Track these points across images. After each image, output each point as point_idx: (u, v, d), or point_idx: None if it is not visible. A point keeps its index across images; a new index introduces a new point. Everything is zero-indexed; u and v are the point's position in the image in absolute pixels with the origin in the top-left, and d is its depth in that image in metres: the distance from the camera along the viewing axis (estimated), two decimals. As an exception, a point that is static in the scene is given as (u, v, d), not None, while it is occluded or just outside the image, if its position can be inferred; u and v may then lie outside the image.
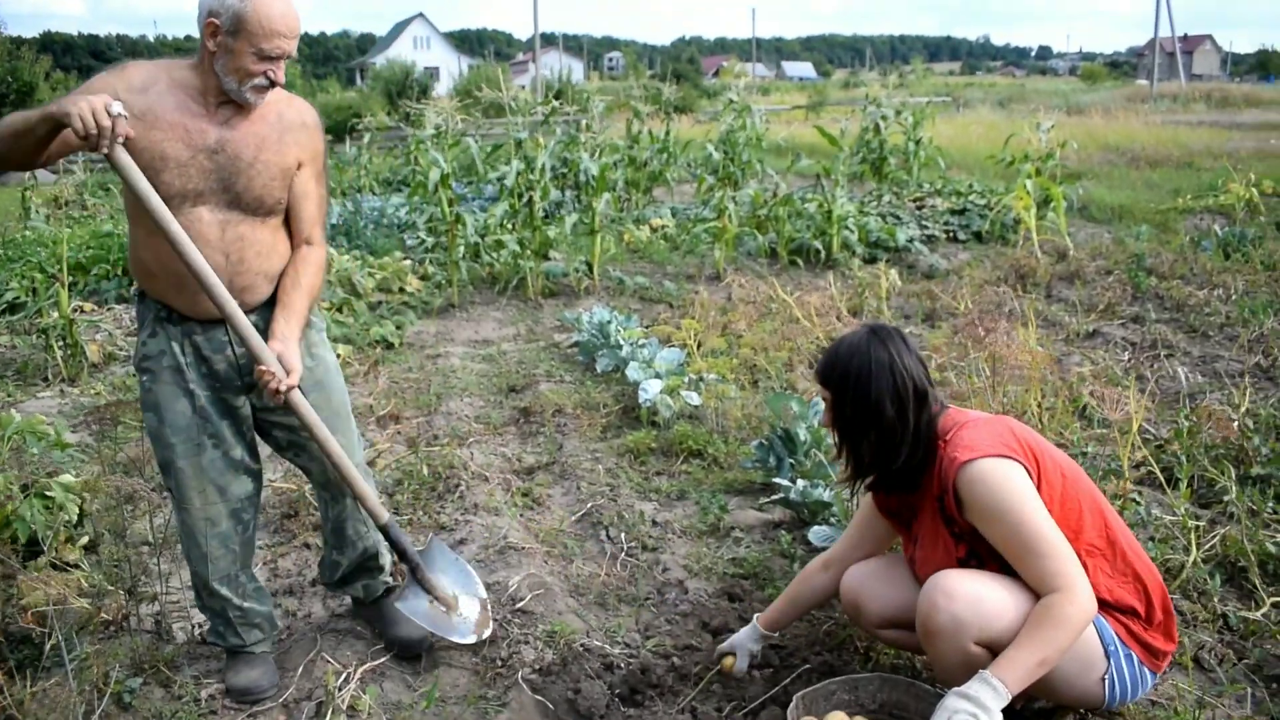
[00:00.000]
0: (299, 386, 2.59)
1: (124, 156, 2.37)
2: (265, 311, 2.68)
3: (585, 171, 9.57)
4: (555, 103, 9.28)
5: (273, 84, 2.50)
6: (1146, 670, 2.38)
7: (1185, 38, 72.03)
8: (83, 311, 7.33)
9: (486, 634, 2.89)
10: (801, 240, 9.14)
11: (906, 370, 2.40)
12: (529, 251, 8.28)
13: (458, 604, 2.87)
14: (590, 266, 8.46)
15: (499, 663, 2.92)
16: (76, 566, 3.41)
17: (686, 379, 5.10)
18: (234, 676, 2.78)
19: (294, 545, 3.78)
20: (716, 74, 61.63)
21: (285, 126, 2.63)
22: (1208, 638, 2.94)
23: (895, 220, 10.24)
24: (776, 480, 3.98)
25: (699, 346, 5.69)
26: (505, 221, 8.71)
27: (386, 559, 3.08)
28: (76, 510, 3.76)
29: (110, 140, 2.30)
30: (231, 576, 2.78)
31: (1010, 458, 2.25)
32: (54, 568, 3.38)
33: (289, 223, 2.72)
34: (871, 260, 8.90)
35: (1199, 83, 47.74)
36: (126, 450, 4.67)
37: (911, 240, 9.41)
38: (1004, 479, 2.22)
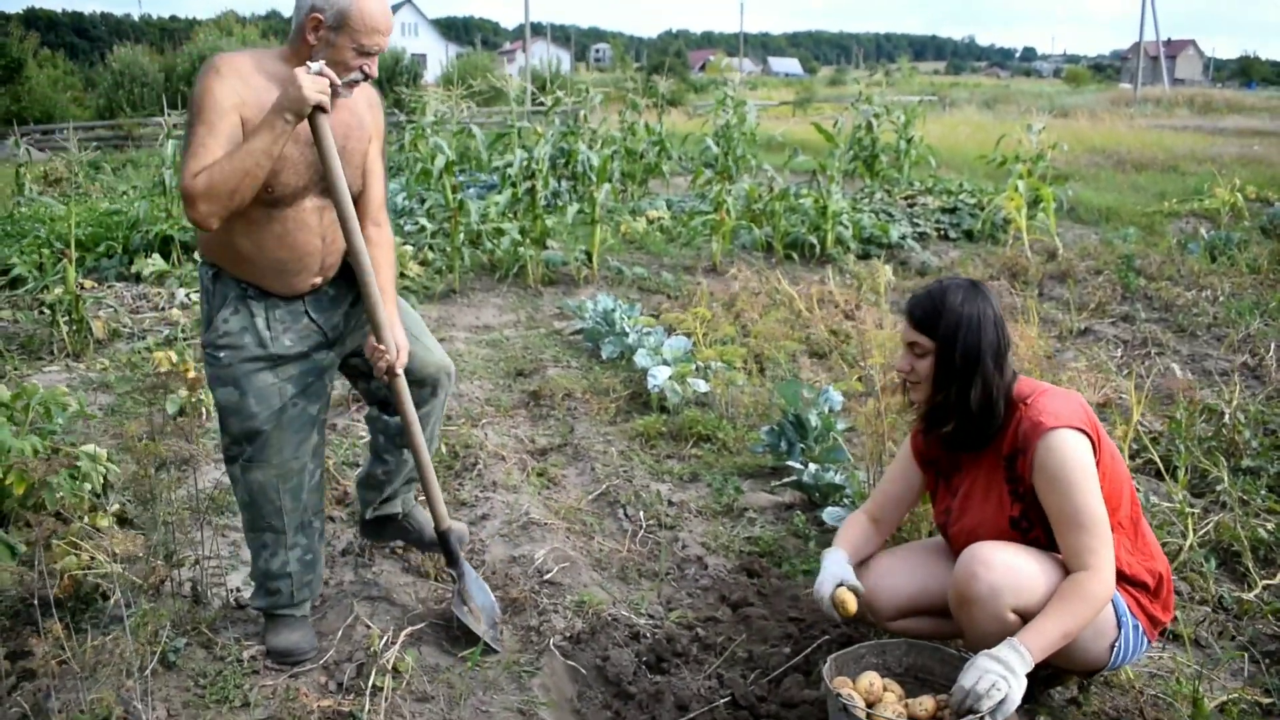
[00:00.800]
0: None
1: (325, 120, 2.51)
2: (338, 281, 2.83)
3: (585, 162, 9.68)
4: (559, 94, 9.38)
5: (367, 78, 2.60)
6: (1146, 638, 2.54)
7: (1169, 42, 72.60)
8: (84, 288, 7.39)
9: (502, 651, 2.97)
10: (797, 235, 9.27)
11: (1003, 327, 2.53)
12: (529, 240, 8.37)
13: (481, 618, 2.96)
14: (589, 256, 8.56)
15: (531, 630, 3.05)
16: (109, 533, 3.50)
17: (695, 366, 5.22)
18: (274, 638, 2.88)
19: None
20: (703, 68, 61.68)
21: (356, 111, 2.73)
22: (1204, 616, 3.09)
23: (888, 217, 10.39)
24: (789, 463, 4.11)
25: (705, 335, 5.81)
26: (507, 210, 8.80)
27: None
28: (101, 480, 3.86)
29: (338, 90, 2.51)
30: (306, 524, 2.90)
31: (1085, 432, 2.39)
32: (88, 536, 3.47)
33: (357, 203, 2.77)
34: (865, 256, 9.05)
35: (1182, 87, 48.23)
36: (136, 424, 4.76)
37: (904, 237, 9.56)
38: (1078, 452, 2.36)
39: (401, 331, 2.76)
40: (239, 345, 2.70)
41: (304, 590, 2.93)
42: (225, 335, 2.70)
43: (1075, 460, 2.36)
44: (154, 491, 3.54)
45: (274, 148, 2.41)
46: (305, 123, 2.51)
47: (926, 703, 2.28)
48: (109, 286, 7.94)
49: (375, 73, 2.62)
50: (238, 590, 3.26)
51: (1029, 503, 2.47)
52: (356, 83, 2.61)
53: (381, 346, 2.69)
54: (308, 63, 2.47)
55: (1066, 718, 2.62)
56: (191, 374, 5.15)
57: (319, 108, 2.45)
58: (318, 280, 2.76)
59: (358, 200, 2.78)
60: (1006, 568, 2.35)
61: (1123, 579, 2.45)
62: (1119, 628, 2.45)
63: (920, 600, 2.69)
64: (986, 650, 2.25)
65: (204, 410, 4.96)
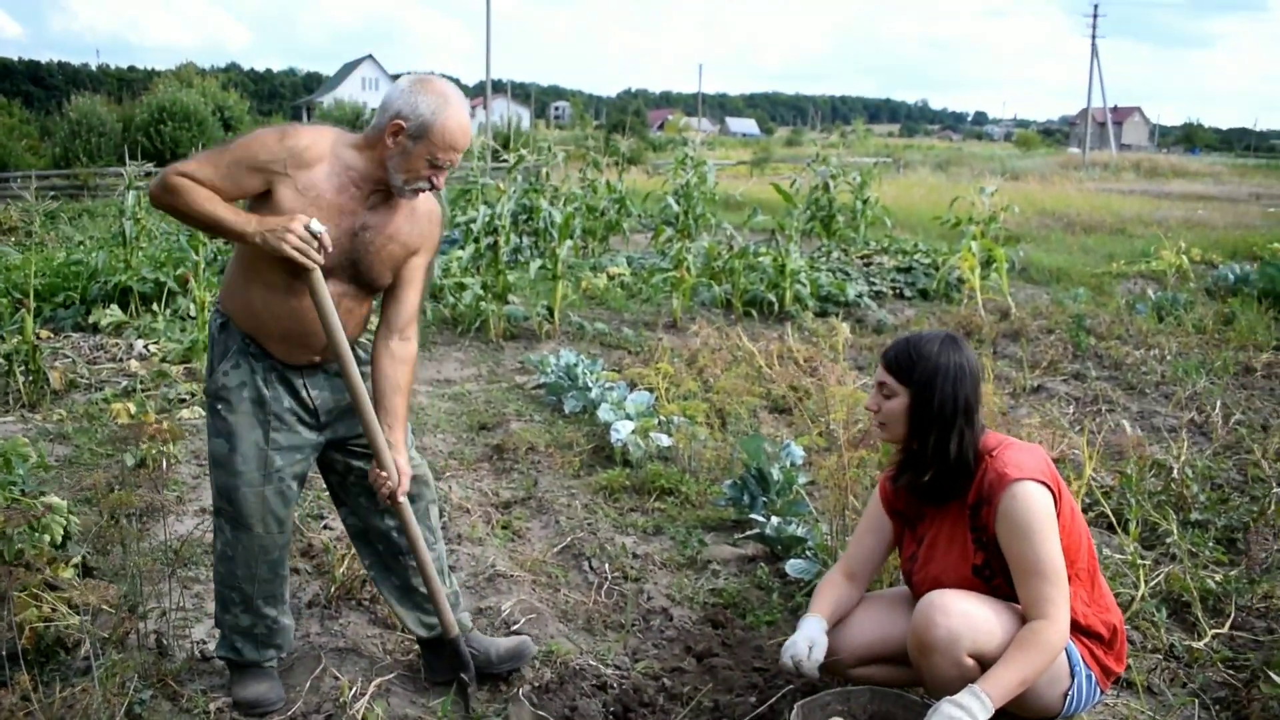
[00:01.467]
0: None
1: (320, 280, 2.54)
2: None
3: (547, 219, 9.78)
4: (522, 151, 9.51)
5: (433, 188, 2.65)
6: (1098, 688, 2.63)
7: (1116, 109, 74.74)
8: (41, 339, 7.33)
9: None
10: (756, 292, 9.43)
11: (978, 380, 2.62)
12: (491, 295, 8.44)
13: None
14: (551, 311, 8.64)
15: (499, 680, 3.06)
16: (72, 585, 3.47)
17: (657, 421, 5.29)
18: (241, 690, 2.85)
19: (283, 570, 3.87)
20: (662, 127, 62.54)
21: (416, 218, 2.75)
22: (1156, 664, 3.18)
23: (845, 276, 10.59)
24: (752, 516, 4.17)
25: (667, 390, 5.89)
26: (470, 265, 8.88)
27: (451, 578, 3.12)
28: (62, 531, 3.83)
29: (317, 263, 2.50)
30: (276, 596, 2.88)
31: (1046, 485, 2.48)
32: (50, 587, 3.44)
33: (385, 309, 2.81)
34: (822, 314, 9.20)
35: (1129, 152, 49.68)
36: (95, 475, 4.73)
37: (860, 295, 9.75)
38: (1040, 504, 2.46)
39: (405, 459, 2.75)
40: (234, 400, 2.71)
41: (268, 650, 2.91)
42: (224, 388, 2.72)
43: (1037, 511, 2.45)
44: (123, 542, 3.52)
45: (217, 226, 2.52)
46: (349, 210, 2.60)
47: (891, 749, 2.33)
48: (66, 337, 7.89)
49: (442, 185, 2.66)
50: (203, 642, 3.25)
51: (991, 551, 2.55)
52: (420, 191, 2.65)
53: (383, 473, 2.69)
54: (311, 220, 2.48)
55: (1025, 765, 2.68)
56: (153, 425, 5.13)
57: (307, 267, 2.49)
58: (316, 359, 2.75)
59: (386, 302, 2.80)
60: (963, 615, 2.43)
61: (1078, 629, 2.53)
62: (1072, 676, 2.53)
63: (880, 648, 2.75)
64: (949, 697, 2.32)
65: (165, 461, 4.94)
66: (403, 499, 2.73)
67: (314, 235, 2.47)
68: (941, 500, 2.65)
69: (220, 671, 3.05)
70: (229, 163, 2.55)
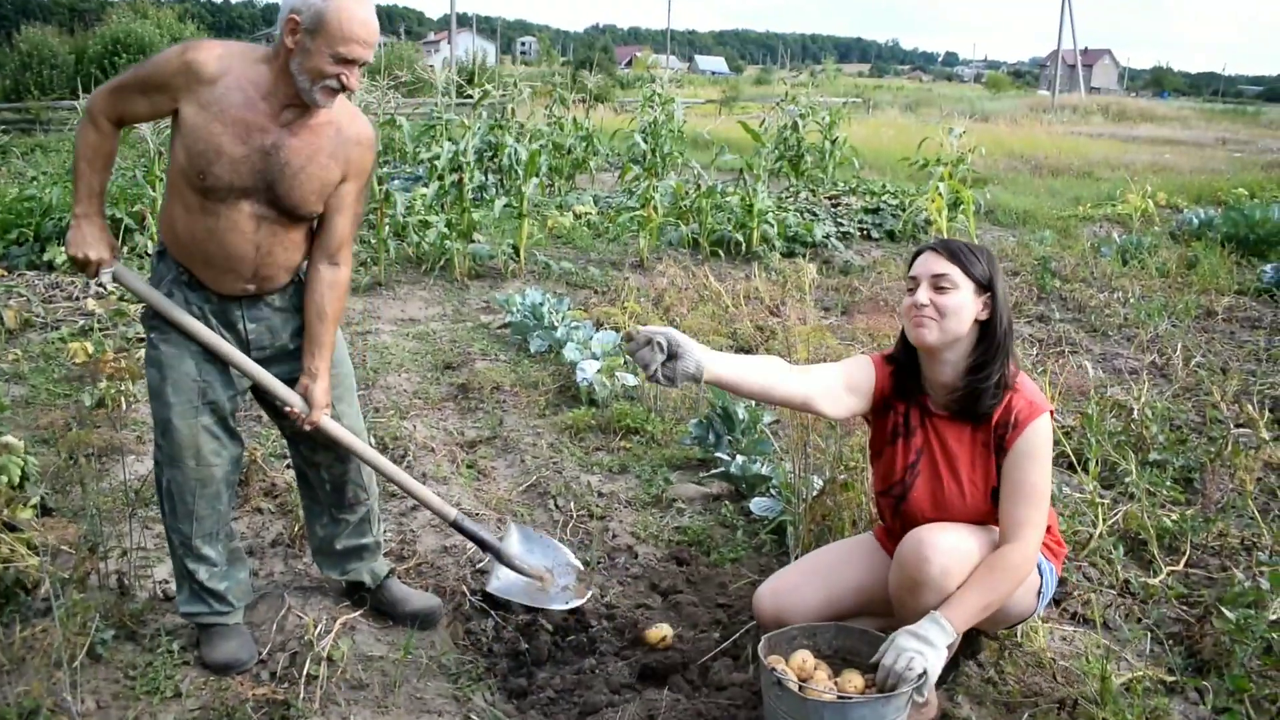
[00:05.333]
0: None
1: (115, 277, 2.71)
2: (280, 296, 2.77)
3: (512, 156, 9.64)
4: (487, 86, 9.34)
5: (343, 88, 2.52)
6: (1055, 574, 2.67)
7: (1085, 51, 74.64)
8: (-5, 276, 7.18)
9: (586, 599, 2.97)
10: (723, 232, 9.38)
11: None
12: (456, 233, 8.34)
13: (553, 576, 2.94)
14: (517, 250, 8.56)
15: (464, 617, 3.07)
16: (31, 525, 3.43)
17: (623, 360, 5.27)
18: (211, 652, 2.78)
19: (246, 510, 3.84)
20: (629, 64, 61.77)
21: (342, 140, 2.65)
22: (1112, 600, 3.23)
23: (812, 216, 10.55)
24: (717, 455, 4.18)
25: (633, 329, 5.86)
26: (434, 203, 8.76)
27: (377, 527, 3.09)
28: (19, 472, 3.78)
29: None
30: (214, 535, 2.81)
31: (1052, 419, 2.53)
32: (8, 527, 3.40)
33: (317, 234, 2.76)
34: (790, 254, 9.18)
35: (1098, 95, 49.67)
36: (52, 415, 4.66)
37: (828, 236, 9.73)
38: (1050, 436, 2.50)
39: (324, 387, 2.75)
40: (167, 330, 2.67)
41: (225, 606, 2.85)
42: (158, 317, 2.68)
43: (1049, 443, 2.50)
44: (83, 482, 3.47)
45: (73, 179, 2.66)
46: (257, 126, 2.53)
47: (855, 680, 2.36)
48: (20, 275, 7.72)
49: (354, 85, 2.53)
50: (165, 582, 3.22)
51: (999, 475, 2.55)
52: (333, 91, 2.52)
53: (288, 407, 2.72)
54: (105, 269, 2.67)
55: (985, 697, 2.73)
56: (110, 364, 5.06)
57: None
58: (249, 288, 2.68)
59: (318, 228, 2.74)
60: (953, 549, 2.41)
61: None
62: (1040, 574, 2.58)
63: (829, 611, 2.71)
64: (906, 627, 2.34)
65: (124, 400, 4.87)
66: (324, 421, 2.74)
67: (93, 277, 2.68)
68: (968, 416, 2.56)
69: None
70: (138, 83, 2.54)
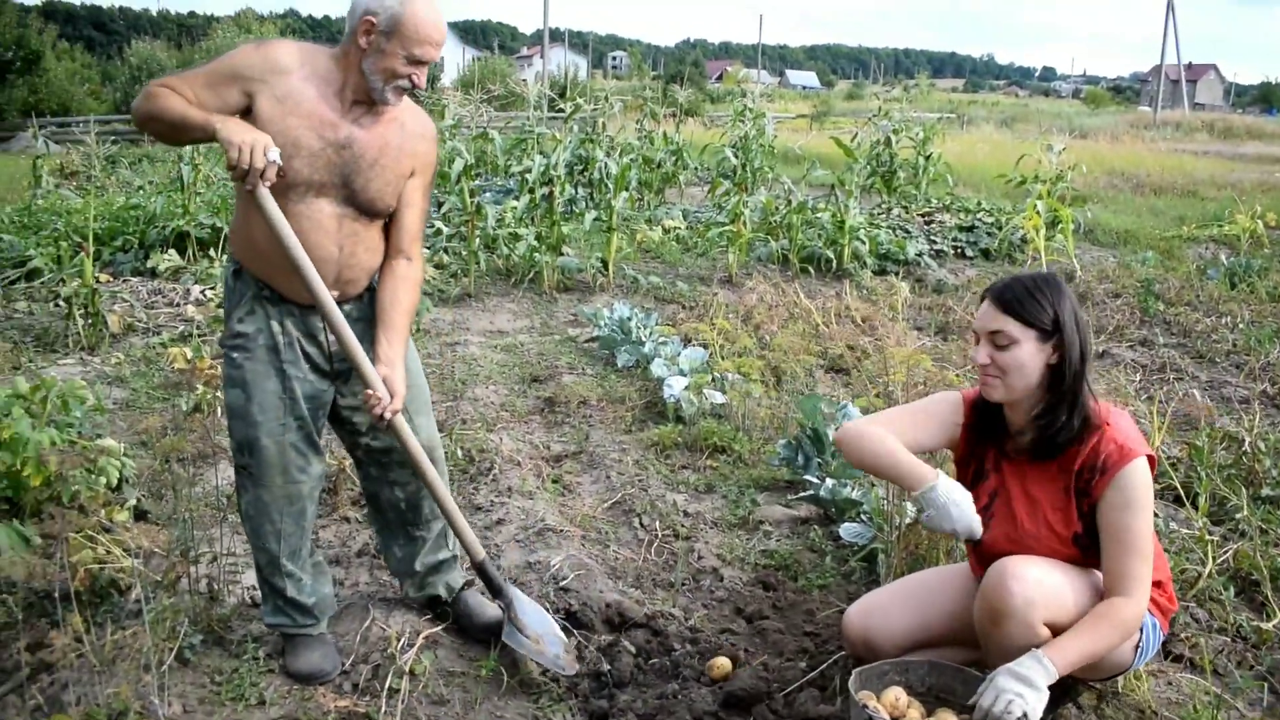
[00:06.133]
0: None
1: (266, 194, 2.46)
2: (357, 305, 2.77)
3: (603, 169, 9.68)
4: (579, 100, 9.39)
5: (413, 87, 2.57)
6: (1160, 632, 2.55)
7: (1190, 66, 72.51)
8: (100, 282, 7.41)
9: (576, 670, 2.89)
10: (813, 249, 9.26)
11: (1088, 329, 2.47)
12: (545, 246, 8.37)
13: (543, 642, 2.87)
14: (605, 263, 8.56)
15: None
16: (125, 528, 3.50)
17: (711, 377, 5.21)
18: (295, 661, 2.80)
19: (334, 519, 3.88)
20: (720, 78, 61.77)
21: (407, 135, 2.69)
22: (1223, 645, 3.07)
23: (905, 234, 10.37)
24: (806, 477, 4.10)
25: (722, 347, 5.80)
26: (524, 216, 8.81)
27: (454, 541, 3.06)
28: (118, 475, 3.86)
29: (256, 182, 2.41)
30: (299, 551, 2.82)
31: (1152, 459, 2.39)
32: (104, 529, 3.47)
33: (389, 232, 2.77)
34: (881, 272, 9.03)
35: (1202, 112, 48.17)
36: (150, 420, 4.76)
37: (921, 254, 9.54)
38: (1149, 481, 2.36)
39: (401, 375, 2.68)
40: (250, 348, 2.67)
41: (308, 615, 2.85)
42: (238, 336, 2.68)
43: (1148, 488, 2.36)
44: (176, 487, 3.53)
45: (185, 124, 2.44)
46: (330, 121, 2.55)
47: (950, 721, 2.26)
48: (124, 281, 7.98)
49: (423, 83, 2.59)
50: (253, 588, 3.25)
51: (1089, 521, 2.44)
52: (404, 91, 2.58)
53: (371, 393, 2.61)
54: (273, 149, 2.42)
55: (1085, 743, 2.60)
56: (207, 370, 5.16)
57: (234, 170, 2.39)
58: (334, 293, 2.64)
59: (389, 225, 2.76)
60: (1038, 581, 2.32)
61: None
62: (1140, 629, 2.44)
63: (920, 636, 2.65)
64: (1006, 665, 2.23)
65: (219, 407, 4.97)
66: (397, 419, 2.66)
67: (267, 160, 2.39)
68: (1044, 457, 2.48)
69: (270, 618, 3.06)
70: (208, 74, 2.53)
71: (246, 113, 2.53)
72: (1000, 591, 2.33)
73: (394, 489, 2.94)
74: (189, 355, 5.84)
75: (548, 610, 3.07)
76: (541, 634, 2.89)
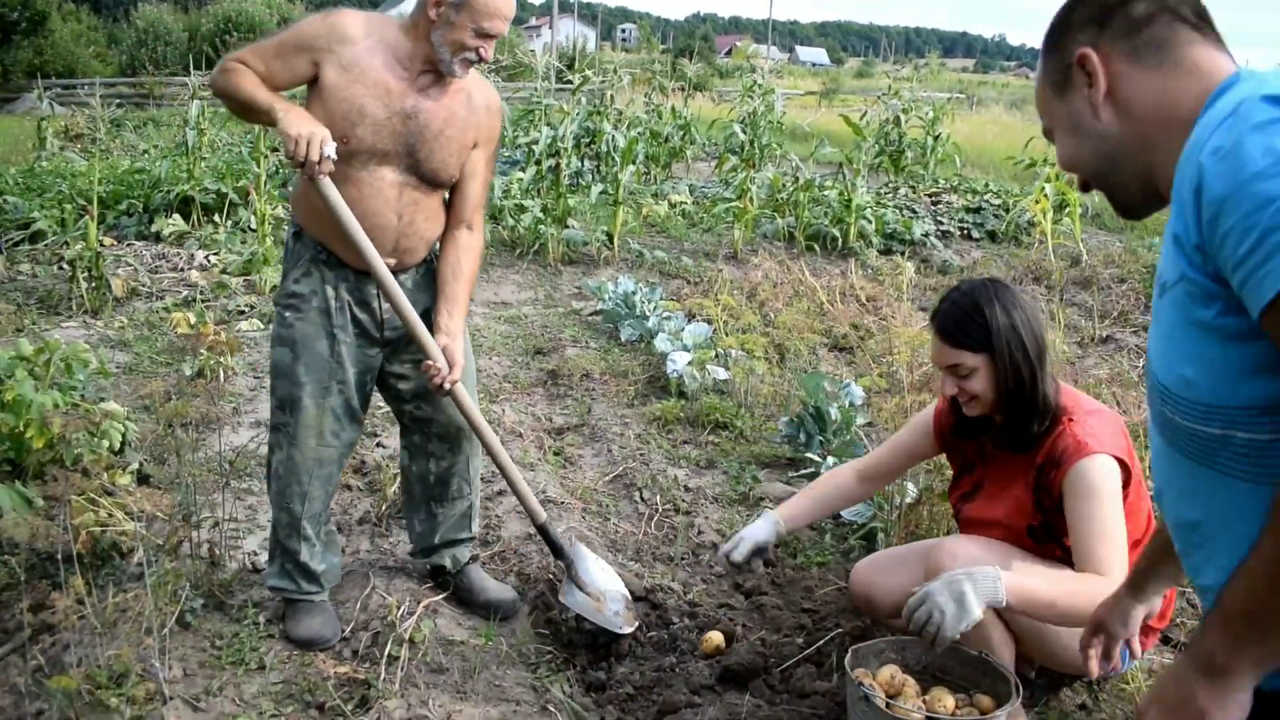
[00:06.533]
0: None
1: (326, 181, 2.50)
2: (414, 273, 2.79)
3: (610, 143, 9.62)
4: (587, 73, 9.34)
5: (480, 59, 2.58)
6: (1139, 651, 2.51)
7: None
8: (104, 246, 7.40)
9: (635, 627, 2.92)
10: (819, 227, 9.22)
11: (1040, 324, 2.48)
12: (551, 218, 8.35)
13: (605, 600, 2.91)
14: (610, 237, 8.54)
15: (545, 606, 3.05)
16: (128, 491, 3.51)
17: (715, 353, 5.21)
18: (296, 626, 2.82)
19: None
20: (729, 53, 61.38)
21: (473, 107, 2.71)
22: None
23: (911, 214, 10.32)
24: (807, 455, 4.10)
25: (726, 323, 5.80)
26: (530, 187, 8.79)
27: (476, 524, 3.12)
28: (120, 438, 3.86)
29: (314, 173, 2.45)
30: (320, 516, 2.86)
31: (1121, 461, 2.38)
32: (106, 493, 3.48)
33: (452, 201, 2.81)
34: (887, 251, 9.00)
35: None
36: (153, 384, 4.76)
37: (927, 235, 9.50)
38: (1110, 477, 2.35)
39: (461, 346, 2.72)
40: (303, 309, 2.69)
41: (315, 582, 2.87)
42: (292, 295, 2.71)
43: (1106, 485, 2.35)
44: (179, 452, 3.54)
45: (252, 107, 2.52)
46: (397, 91, 2.57)
47: (946, 699, 2.27)
48: (128, 245, 7.96)
49: (490, 57, 2.59)
50: (254, 554, 3.27)
51: (1051, 516, 2.46)
52: (471, 63, 2.59)
53: (431, 364, 2.64)
54: (327, 140, 2.44)
55: (1080, 724, 2.61)
56: (211, 336, 5.16)
57: (291, 159, 2.43)
58: (390, 261, 2.66)
59: (451, 196, 2.79)
60: (972, 558, 2.34)
61: None
62: None
63: None
64: (954, 572, 2.22)
65: (222, 372, 4.97)
66: (458, 388, 2.69)
67: (322, 155, 2.42)
68: (1013, 448, 2.53)
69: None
70: (277, 45, 2.59)
71: (314, 82, 2.57)
72: (934, 569, 2.37)
73: (429, 460, 2.96)
74: (192, 320, 5.85)
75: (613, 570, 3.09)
76: (604, 591, 2.93)
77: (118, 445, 3.82)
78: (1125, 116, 1.33)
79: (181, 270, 7.26)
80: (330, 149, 2.44)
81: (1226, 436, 1.17)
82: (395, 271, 2.68)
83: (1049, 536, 2.48)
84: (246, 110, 2.57)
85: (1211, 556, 1.27)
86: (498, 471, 2.93)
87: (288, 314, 2.71)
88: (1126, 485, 2.41)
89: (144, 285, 6.82)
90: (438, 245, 2.83)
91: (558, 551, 2.98)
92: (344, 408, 2.77)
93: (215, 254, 7.54)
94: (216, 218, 8.47)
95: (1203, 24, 1.32)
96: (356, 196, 2.58)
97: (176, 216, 8.35)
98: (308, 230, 2.71)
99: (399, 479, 3.39)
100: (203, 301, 6.39)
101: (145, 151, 11.89)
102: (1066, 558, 2.43)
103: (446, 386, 2.64)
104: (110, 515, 3.26)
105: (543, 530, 2.95)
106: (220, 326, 5.75)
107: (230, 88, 2.54)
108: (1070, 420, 2.43)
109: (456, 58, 2.55)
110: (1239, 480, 1.19)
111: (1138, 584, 1.83)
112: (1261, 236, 1.05)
